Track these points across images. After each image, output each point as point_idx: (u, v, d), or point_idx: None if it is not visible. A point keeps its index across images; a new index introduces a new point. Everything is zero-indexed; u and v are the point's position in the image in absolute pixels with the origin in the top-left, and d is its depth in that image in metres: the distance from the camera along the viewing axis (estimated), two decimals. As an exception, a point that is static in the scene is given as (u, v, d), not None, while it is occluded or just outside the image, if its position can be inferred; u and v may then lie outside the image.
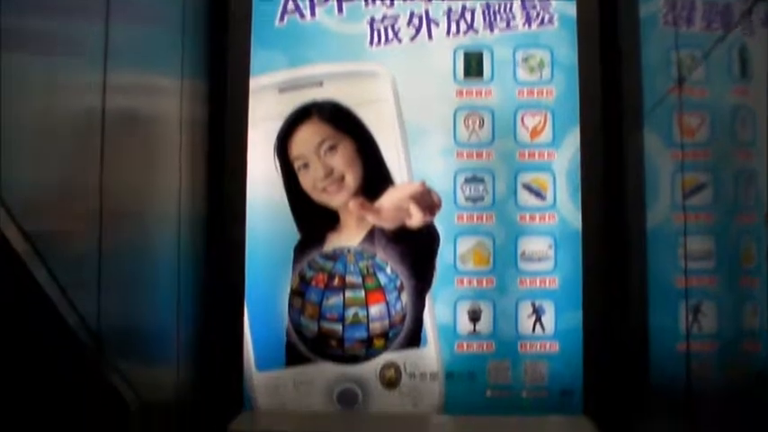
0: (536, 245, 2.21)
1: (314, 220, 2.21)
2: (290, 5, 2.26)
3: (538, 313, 2.20)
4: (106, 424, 2.02)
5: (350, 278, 2.20)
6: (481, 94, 2.24)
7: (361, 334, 2.19)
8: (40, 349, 1.66)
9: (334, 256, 2.21)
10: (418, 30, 2.24)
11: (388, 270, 2.19)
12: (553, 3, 2.25)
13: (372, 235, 2.19)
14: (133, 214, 1.86)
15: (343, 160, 2.20)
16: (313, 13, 2.25)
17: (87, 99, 1.56)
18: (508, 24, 2.25)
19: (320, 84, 2.23)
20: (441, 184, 2.21)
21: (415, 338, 2.20)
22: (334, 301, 2.19)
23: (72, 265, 1.52)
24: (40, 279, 1.37)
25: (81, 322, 1.57)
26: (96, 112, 1.59)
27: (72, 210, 1.56)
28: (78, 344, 1.69)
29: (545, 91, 2.24)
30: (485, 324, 2.20)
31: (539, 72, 2.23)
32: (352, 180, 2.20)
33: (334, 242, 2.21)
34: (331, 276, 2.20)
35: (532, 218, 2.22)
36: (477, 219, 2.21)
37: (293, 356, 2.21)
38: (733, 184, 2.26)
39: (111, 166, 1.61)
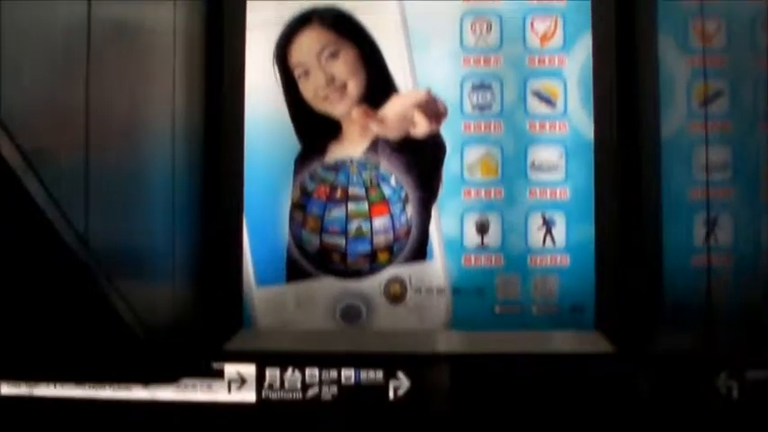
0: (546, 154, 2.12)
1: (315, 131, 2.13)
2: None
3: (548, 225, 2.12)
4: (104, 343, 1.97)
5: (353, 190, 2.11)
6: (489, -3, 2.15)
7: (364, 248, 2.11)
8: (36, 266, 1.61)
9: (337, 167, 2.12)
10: (423, -70, 2.15)
11: (393, 181, 2.11)
12: None
13: (376, 145, 2.11)
14: (124, 129, 1.79)
15: (345, 67, 2.11)
16: None
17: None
18: (517, -75, 2.16)
19: (321, -12, 2.14)
20: (447, 92, 2.13)
21: (420, 252, 2.12)
22: (336, 213, 2.11)
23: (65, 181, 1.48)
24: (34, 195, 1.34)
25: (77, 239, 1.53)
26: (82, 21, 1.52)
27: (61, 125, 1.50)
28: (74, 260, 1.64)
29: (556, -7, 2.14)
30: (493, 237, 2.12)
31: (549, -26, 2.14)
32: (354, 88, 2.11)
33: (337, 153, 2.13)
34: (333, 188, 2.12)
35: (542, 126, 2.13)
36: (485, 127, 2.13)
37: (294, 272, 2.13)
38: (752, 92, 2.17)
39: (99, 78, 1.55)
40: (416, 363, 2.22)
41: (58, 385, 2.26)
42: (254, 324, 2.16)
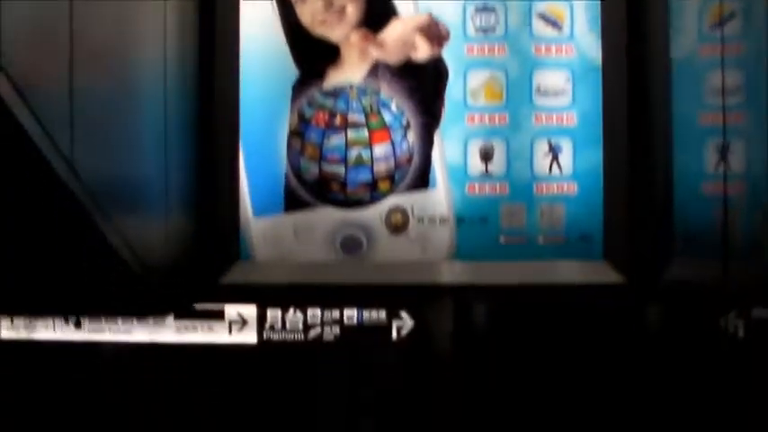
0: (552, 78, 2.06)
1: (313, 56, 2.06)
2: None
3: (555, 152, 2.06)
4: (97, 276, 1.92)
5: (352, 116, 2.04)
6: None
7: (365, 176, 2.05)
8: (24, 196, 1.56)
9: (336, 93, 2.05)
10: None
11: (393, 107, 2.04)
12: None
13: (376, 70, 2.04)
14: (112, 52, 1.72)
15: (343, -10, 2.04)
16: None
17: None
18: None
19: None
20: (448, 15, 2.06)
21: (422, 180, 2.05)
22: (335, 141, 2.04)
23: (48, 106, 1.42)
24: (23, 122, 1.31)
25: (64, 165, 1.49)
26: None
27: (43, 46, 1.43)
28: (61, 187, 1.59)
29: None
30: (497, 164, 2.05)
31: None
32: (353, 11, 2.04)
33: (335, 78, 2.06)
34: (332, 115, 2.05)
35: (548, 50, 2.06)
36: (489, 51, 2.05)
37: (292, 201, 2.07)
38: (765, 12, 2.09)
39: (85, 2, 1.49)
40: (420, 301, 2.17)
41: (57, 329, 2.21)
42: (252, 256, 2.09)
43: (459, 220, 2.06)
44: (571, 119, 2.05)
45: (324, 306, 2.16)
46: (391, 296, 2.09)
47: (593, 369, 2.09)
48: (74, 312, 2.09)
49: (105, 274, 1.93)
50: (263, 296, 2.10)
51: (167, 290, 2.03)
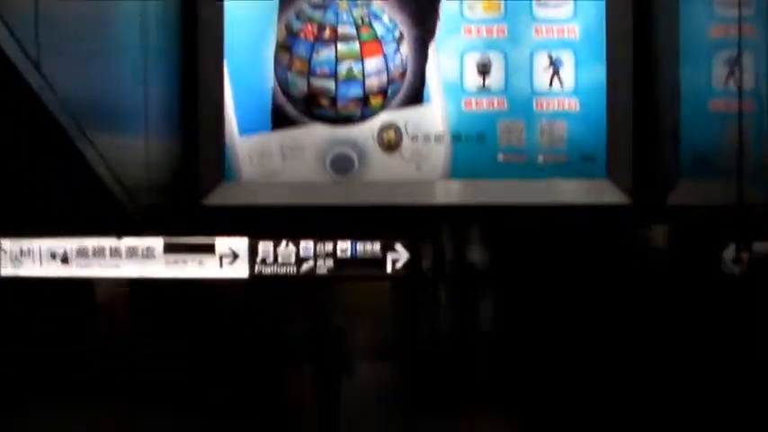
0: (554, -12, 1.95)
1: (300, -36, 1.95)
2: None
3: (555, 66, 1.96)
4: (75, 193, 1.85)
5: (343, 29, 1.95)
6: None
7: (356, 91, 1.96)
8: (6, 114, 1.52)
9: (325, 5, 1.96)
10: None
11: (386, 19, 1.95)
12: None
13: (367, -21, 1.94)
14: None
15: None
16: None
17: None
18: None
19: None
20: None
21: (417, 95, 1.97)
22: (325, 54, 1.95)
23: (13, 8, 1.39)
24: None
25: (46, 86, 1.48)
26: None
27: None
28: (43, 108, 1.54)
29: None
30: (495, 79, 1.96)
31: None
32: None
33: (324, -12, 1.95)
34: (321, 27, 1.95)
35: (549, -42, 1.95)
36: (487, -42, 1.95)
37: (280, 119, 1.98)
38: None
39: None
40: (415, 231, 2.07)
41: (44, 264, 2.11)
42: (237, 177, 2.01)
43: (455, 138, 1.97)
44: (573, 31, 1.96)
45: (315, 232, 2.06)
46: (385, 218, 1.99)
47: (592, 292, 2.01)
48: (53, 233, 1.99)
49: (83, 193, 1.84)
50: (249, 219, 2.00)
51: (148, 211, 1.95)
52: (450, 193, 1.97)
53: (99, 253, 2.05)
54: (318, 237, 2.03)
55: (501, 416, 2.28)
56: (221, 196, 1.99)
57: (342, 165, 1.98)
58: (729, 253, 1.96)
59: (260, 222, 2.04)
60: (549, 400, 2.06)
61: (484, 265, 2.10)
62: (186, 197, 1.98)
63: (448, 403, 2.23)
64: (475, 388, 2.29)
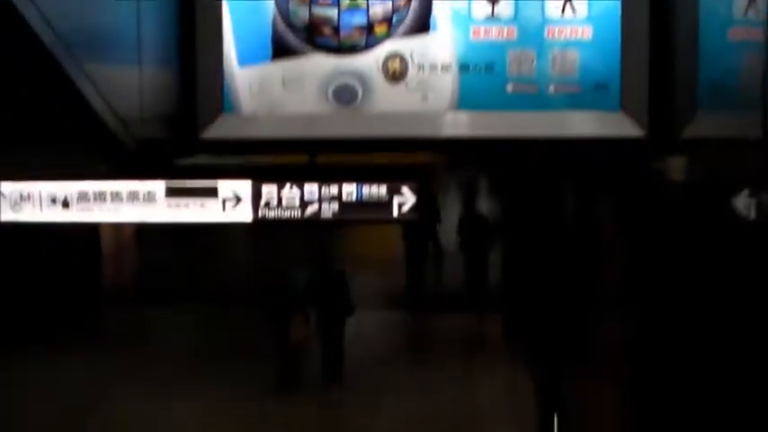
0: None
1: None
2: None
3: (567, -8, 1.88)
4: (74, 133, 1.80)
5: (345, -48, 1.87)
6: None
7: (359, 19, 1.88)
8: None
9: (326, -73, 1.87)
10: None
11: (390, -59, 1.86)
12: None
13: None
14: None
15: None
16: None
17: None
18: None
19: None
20: None
21: (423, 23, 1.89)
22: (326, -20, 1.87)
23: None
24: None
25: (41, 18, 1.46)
26: None
27: None
28: (38, 42, 1.48)
29: None
30: (504, 5, 1.89)
31: None
32: None
33: None
34: (323, -49, 1.87)
35: None
36: None
37: (281, 48, 1.91)
38: None
39: None
40: (422, 174, 2.00)
41: (44, 209, 2.05)
42: (237, 109, 1.94)
43: (463, 67, 1.89)
44: (586, -45, 1.87)
45: (316, 166, 1.99)
46: (389, 148, 1.92)
47: (605, 227, 1.94)
48: (51, 176, 1.94)
49: (78, 128, 1.79)
50: (249, 150, 1.94)
51: (146, 144, 1.89)
52: (457, 124, 1.90)
53: (100, 197, 1.99)
54: (323, 180, 1.97)
55: (509, 363, 2.24)
56: (220, 129, 1.92)
57: (345, 95, 1.91)
58: (742, 199, 1.89)
59: (260, 155, 1.98)
60: (561, 342, 2.00)
61: (492, 203, 2.04)
62: (184, 130, 1.92)
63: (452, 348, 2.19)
64: (484, 335, 2.24)
